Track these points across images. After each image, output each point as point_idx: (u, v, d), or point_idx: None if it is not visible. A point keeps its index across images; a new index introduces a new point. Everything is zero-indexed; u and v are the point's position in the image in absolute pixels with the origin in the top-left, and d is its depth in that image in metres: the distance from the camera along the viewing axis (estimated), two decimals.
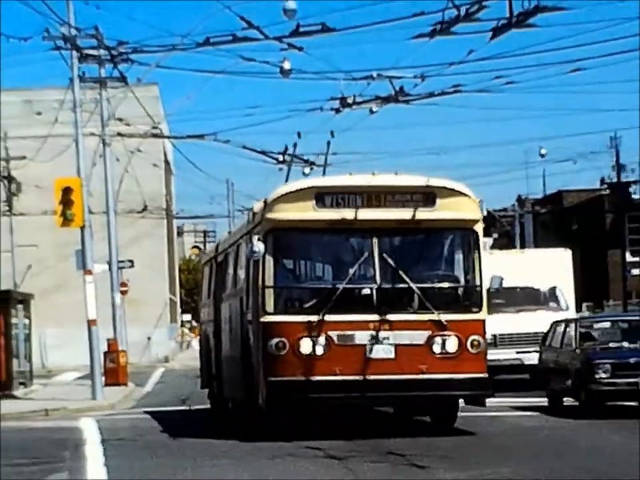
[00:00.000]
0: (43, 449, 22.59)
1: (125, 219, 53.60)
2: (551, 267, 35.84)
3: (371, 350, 20.44)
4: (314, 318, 20.45)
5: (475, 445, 20.47)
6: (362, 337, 20.46)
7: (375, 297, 20.74)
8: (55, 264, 56.03)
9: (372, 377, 20.40)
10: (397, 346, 20.53)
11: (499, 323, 29.15)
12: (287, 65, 28.84)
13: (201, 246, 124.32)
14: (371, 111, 30.03)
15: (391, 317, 20.59)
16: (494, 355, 28.02)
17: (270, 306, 20.81)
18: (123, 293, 50.27)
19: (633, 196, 77.88)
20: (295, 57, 27.91)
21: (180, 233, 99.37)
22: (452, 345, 20.73)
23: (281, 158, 34.42)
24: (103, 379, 40.12)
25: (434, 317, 20.64)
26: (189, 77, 54.87)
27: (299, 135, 31.95)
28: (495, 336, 29.67)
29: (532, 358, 30.63)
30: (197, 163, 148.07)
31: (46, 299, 53.15)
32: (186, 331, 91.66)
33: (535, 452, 19.27)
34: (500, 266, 26.71)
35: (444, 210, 21.03)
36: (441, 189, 21.25)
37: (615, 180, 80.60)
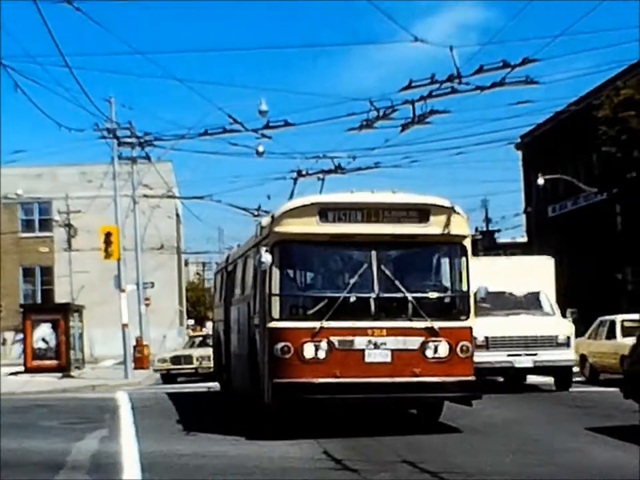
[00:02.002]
0: (91, 412, 22.60)
1: (148, 254, 53.31)
2: (536, 273, 27.72)
3: (369, 354, 16.37)
4: (316, 324, 16.28)
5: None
6: (361, 342, 16.33)
7: (373, 305, 16.53)
8: (100, 285, 55.58)
9: (370, 380, 16.25)
10: (393, 351, 16.39)
11: (490, 326, 23.72)
12: (260, 149, 28.90)
13: (201, 273, 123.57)
14: (319, 179, 29.34)
15: (388, 323, 16.51)
16: (486, 357, 23.16)
17: (276, 312, 16.51)
18: (147, 304, 50.05)
19: (497, 240, 78.71)
20: (266, 143, 27.85)
21: (186, 264, 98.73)
22: (443, 350, 16.57)
23: (256, 213, 34.34)
24: (133, 364, 39.97)
25: (427, 324, 16.50)
26: (193, 156, 55.26)
27: (268, 196, 32.14)
28: (487, 338, 23.93)
29: (522, 361, 24.80)
30: (199, 214, 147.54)
31: (93, 309, 52.86)
32: (190, 331, 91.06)
33: None
34: (488, 271, 22.78)
35: (437, 226, 16.93)
36: (435, 207, 17.04)
37: (485, 229, 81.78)
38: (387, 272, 16.67)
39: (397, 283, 16.62)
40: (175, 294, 69.95)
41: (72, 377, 40.34)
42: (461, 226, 17.19)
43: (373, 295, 16.54)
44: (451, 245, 17.27)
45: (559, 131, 53.51)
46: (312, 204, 16.98)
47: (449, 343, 16.59)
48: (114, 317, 41.96)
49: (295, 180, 29.44)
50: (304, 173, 29.08)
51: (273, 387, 16.31)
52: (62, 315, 45.16)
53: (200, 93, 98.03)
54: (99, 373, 42.68)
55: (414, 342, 16.49)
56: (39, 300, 63.89)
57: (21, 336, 48.32)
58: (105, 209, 47.52)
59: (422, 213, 16.98)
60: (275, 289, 16.57)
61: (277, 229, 16.87)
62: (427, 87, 20.30)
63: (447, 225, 16.98)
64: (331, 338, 16.30)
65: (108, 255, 38.31)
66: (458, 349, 16.65)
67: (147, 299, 50.58)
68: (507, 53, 19.97)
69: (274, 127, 24.97)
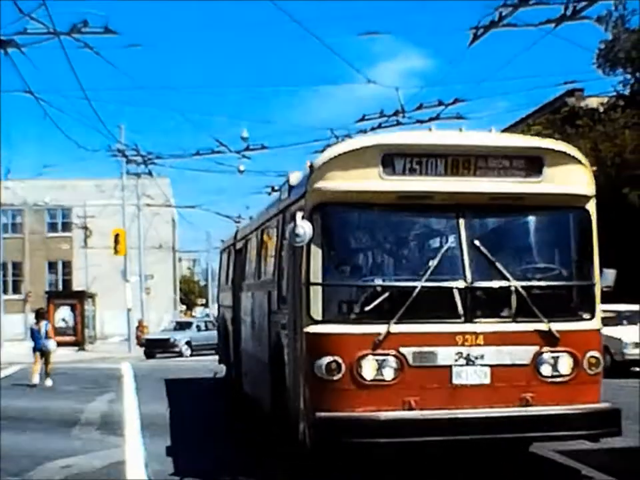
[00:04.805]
0: (100, 379, 22.42)
1: (149, 251, 52.88)
2: None
3: (458, 373, 8.61)
4: (380, 328, 8.46)
5: None
6: (446, 354, 8.57)
7: (463, 300, 8.68)
8: (109, 276, 54.77)
9: (460, 414, 8.46)
10: (493, 367, 8.66)
11: None
12: (242, 168, 28.63)
13: (192, 267, 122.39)
14: None
15: (485, 327, 8.70)
16: None
17: (317, 311, 8.61)
18: (147, 293, 49.84)
19: None
20: (246, 163, 27.42)
21: (180, 260, 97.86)
22: (566, 365, 8.86)
23: (237, 220, 34.29)
24: (135, 341, 39.85)
25: (542, 326, 8.74)
26: (187, 172, 55.12)
27: (247, 207, 31.86)
28: None
29: None
30: (191, 220, 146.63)
31: (104, 296, 52.51)
32: (182, 315, 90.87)
33: None
34: None
35: (552, 182, 9.05)
36: (550, 152, 9.10)
37: None
38: (483, 250, 8.89)
39: (497, 265, 8.84)
40: (170, 284, 69.83)
41: (86, 350, 40.27)
42: (585, 182, 9.28)
43: (463, 285, 8.75)
44: (571, 210, 9.39)
45: None
46: (372, 146, 8.89)
47: (572, 355, 8.95)
48: (120, 302, 41.68)
49: (270, 194, 29.39)
50: (277, 188, 28.96)
51: (314, 424, 8.47)
52: (78, 300, 45.12)
53: (193, 121, 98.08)
54: (107, 347, 42.52)
55: (524, 354, 8.82)
56: (60, 287, 63.76)
57: None
58: (114, 215, 47.12)
59: (532, 162, 9.14)
60: (316, 274, 8.72)
61: (320, 184, 8.81)
62: (377, 120, 19.96)
63: (567, 180, 9.20)
64: (402, 349, 8.59)
65: (117, 252, 38.16)
66: (585, 363, 8.96)
67: (147, 288, 50.29)
68: (441, 94, 20.02)
69: (253, 150, 24.51)
